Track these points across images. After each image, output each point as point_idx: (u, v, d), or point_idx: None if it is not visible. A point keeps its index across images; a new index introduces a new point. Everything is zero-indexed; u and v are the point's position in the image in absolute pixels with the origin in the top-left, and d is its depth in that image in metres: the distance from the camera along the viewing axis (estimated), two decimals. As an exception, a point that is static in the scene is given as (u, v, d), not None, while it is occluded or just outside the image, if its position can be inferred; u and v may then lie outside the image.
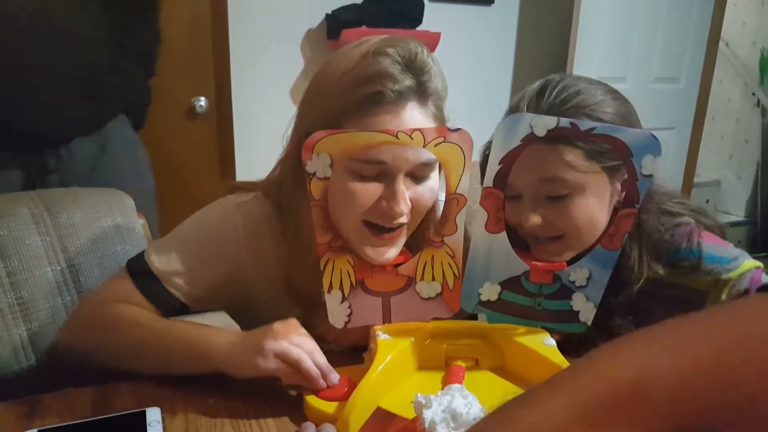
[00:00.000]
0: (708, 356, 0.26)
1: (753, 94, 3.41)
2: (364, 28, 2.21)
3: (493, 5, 2.60)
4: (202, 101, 2.20)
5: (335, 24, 2.25)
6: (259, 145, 2.20)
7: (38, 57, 1.03)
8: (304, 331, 0.67)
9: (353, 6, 2.30)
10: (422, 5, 2.38)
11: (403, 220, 0.68)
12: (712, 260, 0.75)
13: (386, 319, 0.71)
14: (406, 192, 0.67)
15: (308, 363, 0.63)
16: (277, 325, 0.66)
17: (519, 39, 2.71)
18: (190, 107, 2.19)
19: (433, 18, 2.42)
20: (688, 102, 2.87)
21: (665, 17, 2.65)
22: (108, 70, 1.12)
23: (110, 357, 0.71)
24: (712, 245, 0.77)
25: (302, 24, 2.31)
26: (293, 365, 0.63)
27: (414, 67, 0.67)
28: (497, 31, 2.66)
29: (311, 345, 0.66)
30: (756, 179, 3.48)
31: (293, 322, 0.68)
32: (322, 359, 0.66)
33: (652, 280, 0.76)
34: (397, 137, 0.62)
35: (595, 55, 2.50)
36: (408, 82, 0.66)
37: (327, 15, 2.28)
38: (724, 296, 0.75)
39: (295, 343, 0.64)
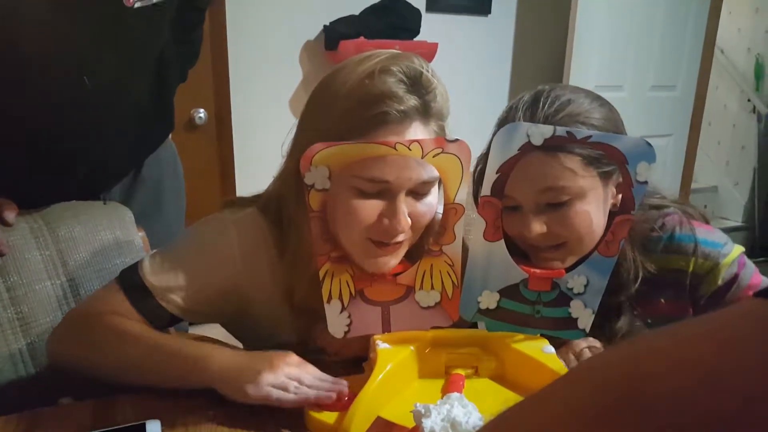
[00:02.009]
0: (705, 361, 0.26)
1: (749, 100, 3.44)
2: (361, 39, 2.23)
3: (489, 15, 2.63)
4: (202, 113, 2.21)
5: (333, 36, 2.27)
6: (259, 156, 2.22)
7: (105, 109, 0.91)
8: (301, 363, 0.67)
9: (351, 18, 2.32)
10: (419, 16, 2.40)
11: (401, 238, 0.69)
12: (707, 244, 0.79)
13: (386, 328, 0.71)
14: (406, 209, 0.67)
15: (306, 394, 0.63)
16: (275, 359, 0.66)
17: (516, 48, 2.73)
18: (189, 119, 2.20)
19: (430, 28, 2.43)
20: (684, 109, 2.89)
21: (661, 26, 2.67)
22: (158, 106, 1.04)
23: (100, 368, 0.70)
24: (702, 230, 0.80)
25: (300, 36, 2.33)
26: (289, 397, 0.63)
27: (419, 87, 0.67)
28: (494, 41, 2.68)
29: (308, 378, 0.65)
30: (753, 185, 3.50)
31: (292, 356, 0.67)
32: (324, 383, 0.65)
33: (648, 272, 0.78)
34: (395, 148, 0.63)
35: (592, 64, 2.51)
36: (412, 102, 0.66)
37: (325, 27, 2.30)
38: (720, 281, 0.78)
39: (293, 377, 0.64)
